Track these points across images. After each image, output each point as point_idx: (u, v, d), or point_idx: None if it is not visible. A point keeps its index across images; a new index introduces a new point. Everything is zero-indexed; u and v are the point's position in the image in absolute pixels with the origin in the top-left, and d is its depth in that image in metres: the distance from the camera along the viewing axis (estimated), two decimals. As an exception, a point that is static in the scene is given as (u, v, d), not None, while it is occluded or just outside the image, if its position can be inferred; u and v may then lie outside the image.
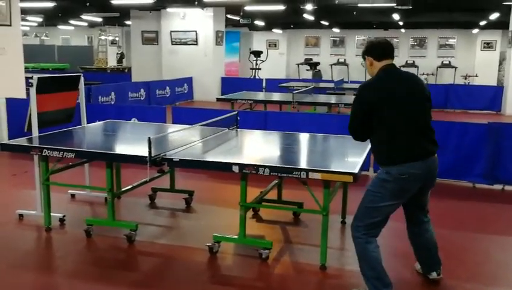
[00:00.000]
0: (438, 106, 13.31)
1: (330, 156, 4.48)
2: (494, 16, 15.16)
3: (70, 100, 5.29)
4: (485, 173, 6.17)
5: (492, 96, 13.94)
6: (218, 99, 9.36)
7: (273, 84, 16.14)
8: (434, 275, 3.65)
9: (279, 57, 24.35)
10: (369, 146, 4.38)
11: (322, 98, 9.78)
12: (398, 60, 22.87)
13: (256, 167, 3.68)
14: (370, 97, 3.24)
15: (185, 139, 4.48)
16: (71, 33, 26.74)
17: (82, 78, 5.35)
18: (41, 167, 4.55)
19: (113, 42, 25.31)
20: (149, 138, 3.75)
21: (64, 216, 4.81)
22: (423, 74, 21.21)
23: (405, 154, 3.20)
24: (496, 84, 19.38)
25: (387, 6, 13.18)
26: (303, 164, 3.92)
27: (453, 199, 5.88)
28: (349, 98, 10.00)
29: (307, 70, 22.15)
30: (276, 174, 3.70)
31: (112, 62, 24.07)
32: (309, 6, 13.80)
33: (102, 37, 23.84)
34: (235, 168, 3.74)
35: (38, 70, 17.02)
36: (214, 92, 16.13)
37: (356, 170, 3.53)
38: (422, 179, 3.27)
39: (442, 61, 22.35)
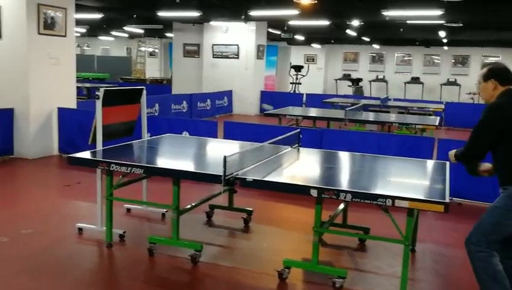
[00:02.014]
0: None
1: (411, 182, 4.23)
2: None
3: (132, 113, 5.22)
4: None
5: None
6: (266, 115, 9.20)
7: (313, 99, 15.99)
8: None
9: (316, 72, 24.16)
10: (448, 172, 4.20)
11: (369, 115, 9.55)
12: (440, 78, 22.47)
13: (336, 192, 3.49)
14: (505, 117, 3.20)
15: (250, 157, 4.31)
16: (111, 44, 27.20)
17: (145, 92, 5.27)
18: (105, 182, 4.44)
19: (151, 54, 25.62)
20: (225, 156, 3.60)
21: (124, 232, 4.69)
22: (469, 93, 20.64)
23: None
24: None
25: (436, 24, 12.89)
26: (385, 190, 3.69)
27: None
28: (403, 117, 9.74)
29: (349, 86, 21.85)
30: (358, 200, 3.49)
31: (150, 73, 24.32)
32: (355, 22, 13.64)
33: (142, 49, 24.13)
34: (313, 192, 3.54)
35: (80, 80, 17.28)
36: (253, 106, 16.10)
37: (447, 199, 3.30)
38: None
39: (476, 85, 21.73)
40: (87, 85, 15.24)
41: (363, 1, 9.96)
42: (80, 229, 4.82)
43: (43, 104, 8.18)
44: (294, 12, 11.32)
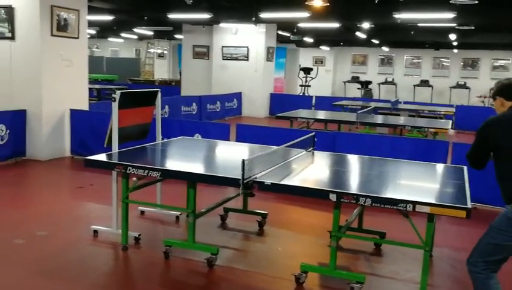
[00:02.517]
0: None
1: (429, 186, 4.18)
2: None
3: (147, 115, 5.21)
4: None
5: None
6: (277, 117, 9.18)
7: (322, 102, 15.93)
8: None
9: (325, 74, 24.09)
10: (467, 176, 4.16)
11: (380, 118, 9.50)
12: (449, 81, 22.35)
13: (356, 197, 3.46)
14: (496, 130, 3.16)
15: (266, 160, 4.28)
16: (120, 45, 27.28)
17: (159, 94, 5.26)
18: (121, 184, 4.44)
19: (160, 55, 25.67)
20: (243, 160, 3.58)
21: (139, 235, 4.68)
22: (480, 96, 20.52)
23: None
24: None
25: (448, 27, 12.83)
26: (403, 194, 3.65)
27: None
28: (414, 120, 9.68)
29: (358, 88, 21.78)
30: (377, 205, 3.45)
31: (159, 75, 24.36)
32: (365, 25, 13.60)
33: (151, 50, 24.19)
34: (333, 197, 3.51)
35: (90, 81, 17.32)
36: (263, 108, 16.08)
37: (469, 205, 3.26)
38: None
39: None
40: (97, 86, 15.29)
41: (375, 4, 9.89)
42: (95, 231, 4.81)
43: (55, 106, 8.20)
44: (305, 14, 11.30)
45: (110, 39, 24.92)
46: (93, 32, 19.56)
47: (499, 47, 20.10)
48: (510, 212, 3.02)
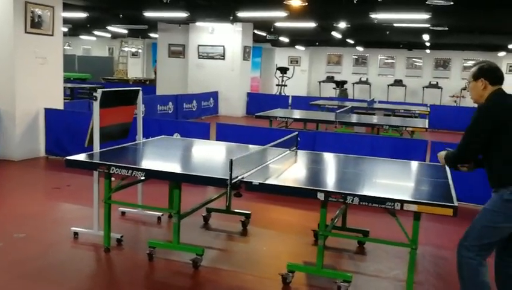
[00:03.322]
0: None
1: (414, 185, 4.22)
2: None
3: (128, 115, 5.12)
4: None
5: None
6: (257, 117, 9.15)
7: (299, 101, 15.98)
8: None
9: (300, 74, 24.20)
10: (450, 175, 4.21)
11: (357, 117, 9.59)
12: (422, 81, 22.72)
13: (344, 196, 3.46)
14: (494, 121, 3.13)
15: (251, 160, 4.25)
16: (92, 43, 26.79)
17: (141, 93, 5.17)
18: (103, 184, 4.34)
19: (134, 54, 25.32)
20: (231, 160, 3.54)
21: (122, 236, 4.59)
22: (452, 96, 20.95)
23: None
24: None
25: (422, 27, 13.02)
26: (389, 193, 3.66)
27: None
28: (391, 120, 9.80)
29: (333, 88, 21.94)
30: (365, 204, 3.46)
31: (132, 74, 24.03)
32: (342, 25, 13.68)
33: (125, 49, 23.83)
34: (320, 196, 3.50)
35: (63, 80, 16.96)
36: (240, 107, 16.03)
37: (455, 203, 3.30)
38: None
39: (466, 84, 22.08)
40: (70, 85, 14.96)
41: (352, 3, 9.96)
42: (75, 233, 4.69)
43: (29, 105, 7.99)
44: (283, 14, 11.30)
45: (82, 37, 24.42)
46: (65, 29, 19.16)
47: (469, 48, 20.53)
48: (507, 194, 3.07)
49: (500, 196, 3.14)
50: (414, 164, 4.89)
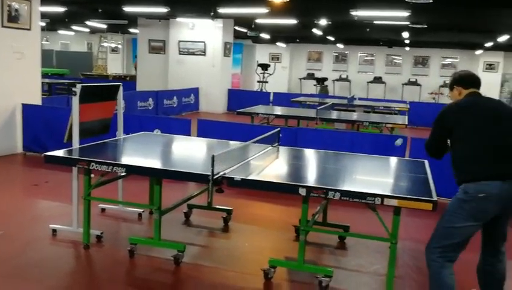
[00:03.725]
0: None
1: (394, 180, 4.26)
2: (503, 38, 15.22)
3: (108, 110, 5.06)
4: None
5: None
6: (238, 113, 9.12)
7: (280, 98, 16.01)
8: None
9: (281, 71, 24.24)
10: (429, 170, 4.27)
11: (337, 114, 9.65)
12: (401, 78, 22.98)
13: (325, 191, 3.48)
14: (452, 116, 3.32)
15: (233, 156, 4.24)
16: (71, 38, 26.41)
17: (121, 88, 5.12)
18: (83, 181, 4.29)
19: (113, 50, 25.05)
20: (213, 155, 3.53)
21: (102, 233, 4.54)
22: (431, 93, 21.22)
23: (483, 171, 3.16)
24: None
25: (402, 25, 13.15)
26: (369, 188, 3.69)
27: None
28: (371, 116, 9.89)
29: (314, 85, 22.04)
30: (346, 199, 3.48)
31: (112, 69, 23.77)
32: (322, 21, 13.75)
33: (105, 44, 23.54)
34: (302, 191, 3.52)
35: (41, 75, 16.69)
36: (220, 104, 15.99)
37: (435, 197, 3.35)
38: (502, 202, 3.16)
39: (445, 81, 22.41)
40: (47, 80, 14.72)
41: (332, 0, 10.01)
42: (54, 230, 4.63)
43: (6, 100, 7.84)
44: (264, 10, 11.29)
45: (61, 32, 24.07)
46: (43, 24, 18.82)
47: (448, 45, 20.84)
48: (460, 193, 3.18)
49: (456, 195, 3.24)
50: (394, 160, 4.94)
